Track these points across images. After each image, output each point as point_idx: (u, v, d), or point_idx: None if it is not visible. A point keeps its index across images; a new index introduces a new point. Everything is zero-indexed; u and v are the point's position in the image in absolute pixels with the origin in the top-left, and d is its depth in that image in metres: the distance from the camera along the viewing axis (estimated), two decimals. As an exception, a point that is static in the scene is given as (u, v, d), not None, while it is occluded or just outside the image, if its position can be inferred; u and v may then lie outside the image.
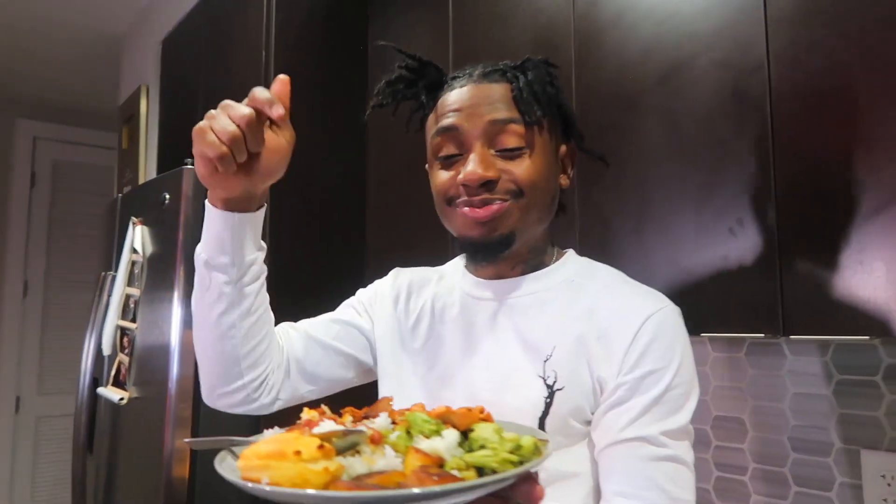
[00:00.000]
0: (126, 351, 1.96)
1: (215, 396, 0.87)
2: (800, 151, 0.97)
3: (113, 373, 2.01)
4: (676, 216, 1.12)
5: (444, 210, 0.84)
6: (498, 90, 0.81)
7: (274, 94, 0.70)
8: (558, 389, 0.76)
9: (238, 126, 0.67)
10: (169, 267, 1.79)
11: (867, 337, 0.90)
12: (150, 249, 1.93)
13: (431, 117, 0.86)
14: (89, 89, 3.81)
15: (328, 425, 0.51)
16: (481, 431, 0.53)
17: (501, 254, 0.81)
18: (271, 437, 0.48)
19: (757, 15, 1.03)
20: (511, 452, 0.50)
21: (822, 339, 1.22)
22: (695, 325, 1.09)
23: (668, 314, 0.78)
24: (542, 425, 0.75)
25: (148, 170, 2.91)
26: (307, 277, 1.85)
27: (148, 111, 2.96)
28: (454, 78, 0.86)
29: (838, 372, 1.19)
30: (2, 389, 3.74)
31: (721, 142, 1.07)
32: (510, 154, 0.79)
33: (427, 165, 0.91)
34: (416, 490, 0.43)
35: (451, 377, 0.85)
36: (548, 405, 0.75)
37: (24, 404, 3.80)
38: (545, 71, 0.84)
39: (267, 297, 0.86)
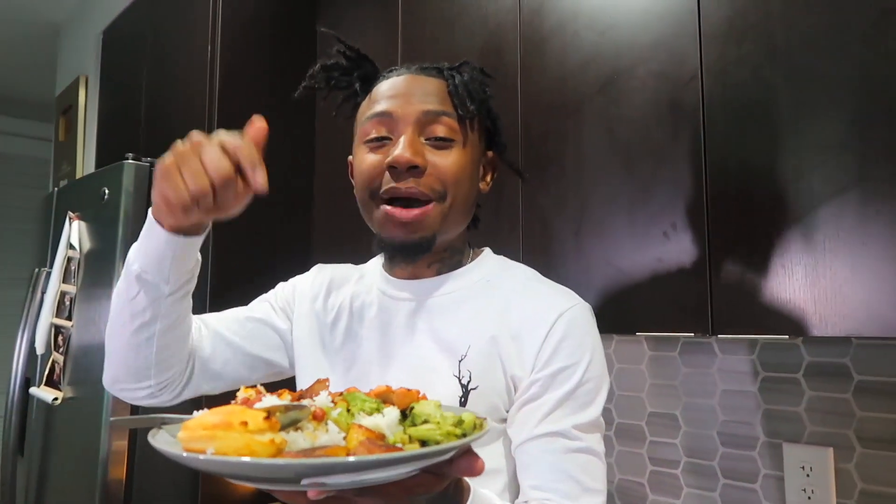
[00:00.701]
0: (61, 350, 1.90)
1: (117, 388, 0.86)
2: (730, 160, 1.02)
3: (46, 372, 1.94)
4: (614, 220, 1.16)
5: (366, 203, 0.83)
6: (433, 84, 0.83)
7: (249, 138, 0.64)
8: (473, 389, 0.77)
9: (211, 180, 0.61)
10: (107, 264, 1.75)
11: (787, 336, 0.95)
12: (87, 245, 1.87)
13: (364, 105, 0.86)
14: (25, 78, 3.66)
15: (270, 400, 0.51)
16: (423, 407, 0.54)
17: (421, 256, 0.82)
18: (216, 409, 0.47)
19: (691, 29, 1.07)
20: (453, 426, 0.51)
21: (748, 339, 1.28)
22: (629, 325, 1.14)
23: (579, 312, 0.80)
24: None
25: (86, 163, 2.83)
26: (251, 269, 1.84)
27: (87, 103, 2.87)
28: (390, 71, 0.86)
29: (764, 369, 1.26)
30: (-76, 390, 3.56)
31: (657, 149, 1.12)
32: (440, 144, 0.80)
33: (350, 157, 0.90)
34: (369, 457, 0.43)
35: (367, 377, 0.85)
36: (462, 404, 0.77)
37: (-51, 406, 3.62)
38: (480, 77, 0.87)
39: (191, 303, 0.83)
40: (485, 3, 1.44)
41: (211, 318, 0.93)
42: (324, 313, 0.93)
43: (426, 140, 0.80)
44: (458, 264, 0.88)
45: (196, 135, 0.64)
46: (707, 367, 1.34)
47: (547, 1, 1.31)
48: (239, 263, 1.84)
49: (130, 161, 1.76)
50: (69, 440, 1.86)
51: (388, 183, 0.79)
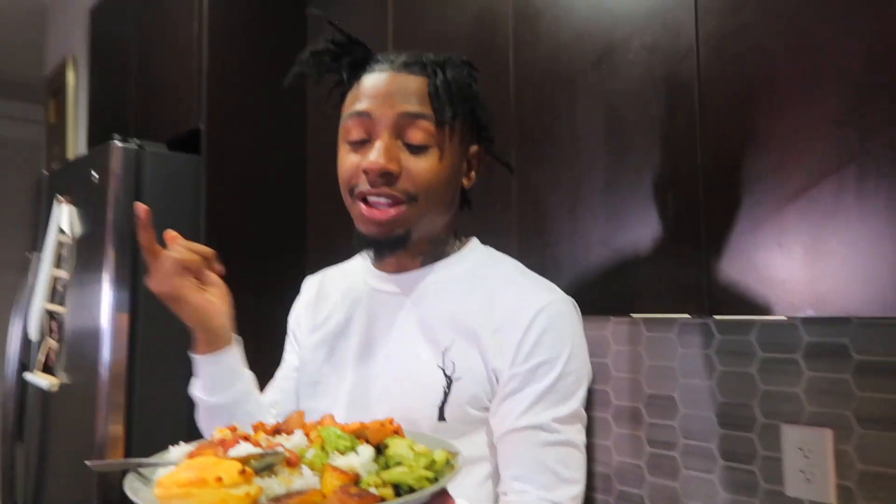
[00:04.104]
0: (55, 336, 1.88)
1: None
2: (726, 136, 0.99)
3: (42, 358, 1.93)
4: (609, 197, 1.13)
5: (347, 199, 0.85)
6: (415, 83, 0.82)
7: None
8: (457, 379, 0.79)
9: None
10: (98, 248, 1.72)
11: (785, 318, 0.93)
12: (78, 230, 1.85)
13: (349, 98, 0.86)
14: (13, 59, 3.61)
15: (245, 448, 0.51)
16: (396, 448, 0.54)
17: (398, 250, 0.84)
18: (189, 463, 0.48)
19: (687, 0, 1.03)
20: (426, 468, 0.52)
21: (746, 320, 1.25)
22: (625, 306, 1.11)
23: (560, 306, 0.81)
24: (441, 413, 0.78)
25: (78, 145, 2.79)
26: (246, 264, 1.81)
27: (77, 83, 2.83)
28: (376, 62, 0.85)
29: (762, 350, 1.23)
30: (-73, 375, 3.57)
31: (653, 124, 1.08)
32: (416, 149, 0.80)
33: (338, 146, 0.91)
34: None
35: (346, 369, 0.88)
36: (446, 394, 0.79)
37: (-49, 390, 3.63)
38: (466, 71, 0.85)
39: (247, 393, 0.93)
40: (475, -26, 1.39)
41: (271, 394, 1.01)
42: (319, 320, 0.97)
43: (403, 144, 0.81)
44: (443, 254, 0.89)
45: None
46: (705, 349, 1.32)
47: (539, -28, 1.26)
48: (234, 257, 1.81)
49: (118, 143, 1.73)
50: (66, 426, 1.85)
51: (363, 185, 0.81)
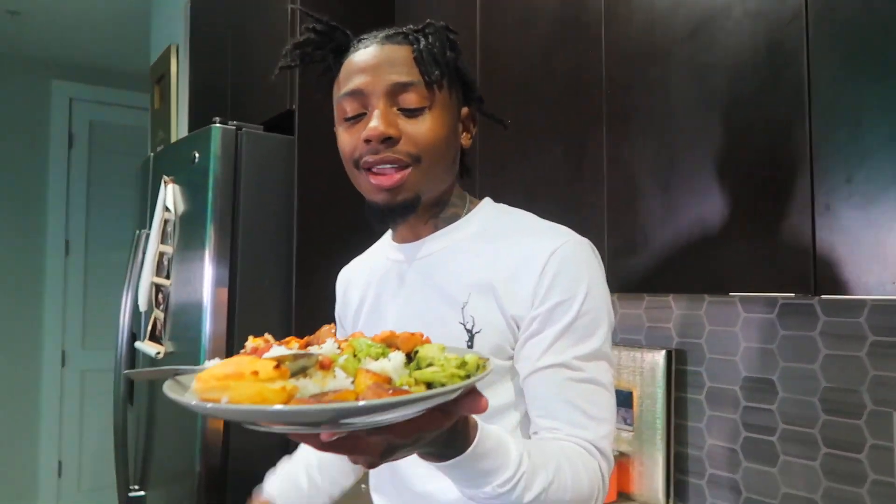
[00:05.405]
0: (161, 307, 2.01)
1: None
2: (838, 103, 0.93)
3: (149, 328, 2.07)
4: (705, 173, 1.09)
5: (353, 172, 0.87)
6: (400, 52, 0.84)
7: None
8: (477, 332, 0.82)
9: None
10: (199, 225, 1.82)
11: (900, 298, 0.87)
12: (181, 207, 1.96)
13: (338, 81, 0.89)
14: (121, 50, 3.84)
15: (278, 350, 0.53)
16: (427, 351, 0.55)
17: (408, 215, 0.86)
18: (227, 360, 0.49)
19: (796, -40, 0.98)
20: (457, 368, 0.52)
21: (855, 300, 1.18)
22: (721, 284, 1.08)
23: (572, 247, 0.82)
24: None
25: (180, 129, 2.95)
26: (335, 234, 1.87)
27: (178, 71, 2.98)
28: (359, 41, 0.88)
29: (873, 333, 1.16)
30: (48, 344, 3.89)
31: (753, 95, 1.03)
32: (411, 113, 0.83)
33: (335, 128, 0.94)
34: (377, 401, 0.45)
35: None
36: (469, 348, 0.82)
37: (69, 358, 3.95)
38: (445, 36, 0.87)
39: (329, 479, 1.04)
40: (566, -54, 1.37)
41: None
42: (352, 311, 1.01)
43: (399, 110, 0.83)
44: (455, 216, 0.91)
45: None
46: (808, 331, 1.26)
47: (634, -61, 1.22)
48: (324, 231, 1.88)
49: (218, 125, 1.81)
50: (172, 392, 1.98)
51: (366, 155, 0.83)
